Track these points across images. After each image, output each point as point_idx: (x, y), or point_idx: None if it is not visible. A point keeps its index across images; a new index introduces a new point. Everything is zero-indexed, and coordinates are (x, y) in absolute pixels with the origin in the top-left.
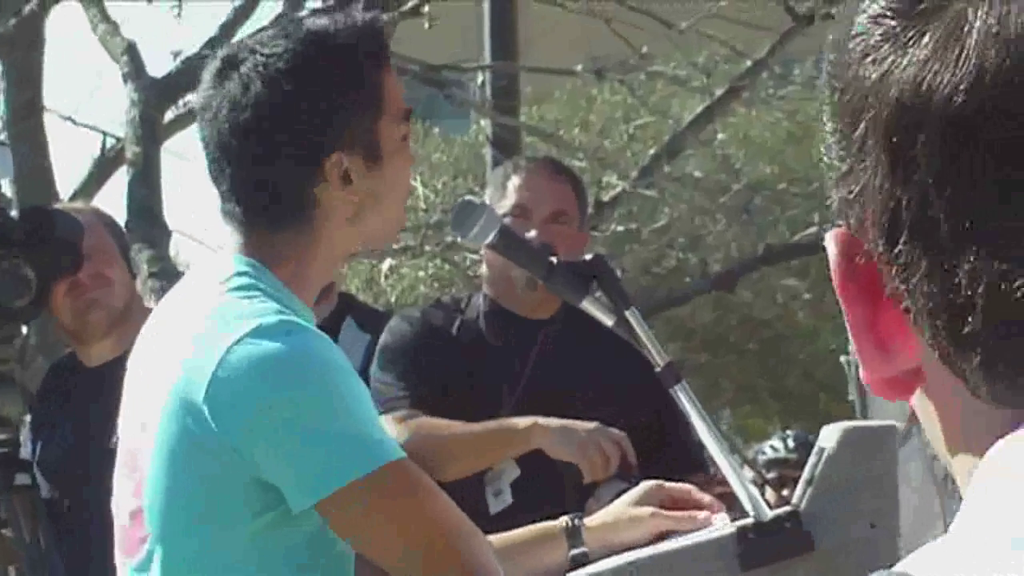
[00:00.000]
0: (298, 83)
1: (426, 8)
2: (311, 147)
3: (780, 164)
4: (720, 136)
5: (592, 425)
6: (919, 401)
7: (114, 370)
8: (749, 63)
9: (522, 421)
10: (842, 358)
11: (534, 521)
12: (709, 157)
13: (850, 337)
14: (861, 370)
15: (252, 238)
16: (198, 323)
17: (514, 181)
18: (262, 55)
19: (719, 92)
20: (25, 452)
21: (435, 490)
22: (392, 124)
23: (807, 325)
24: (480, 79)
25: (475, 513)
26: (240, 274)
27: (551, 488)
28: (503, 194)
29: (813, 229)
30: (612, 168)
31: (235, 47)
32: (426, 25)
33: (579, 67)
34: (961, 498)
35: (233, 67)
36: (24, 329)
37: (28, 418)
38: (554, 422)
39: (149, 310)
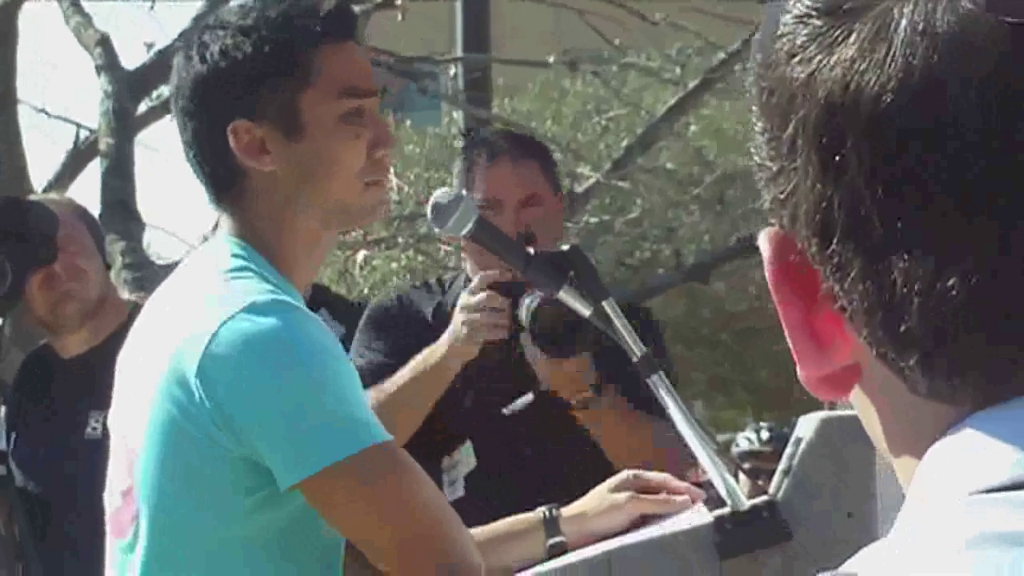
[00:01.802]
0: (218, 56)
1: (399, 0)
2: (216, 113)
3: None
4: (693, 128)
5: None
6: (857, 399)
7: (89, 361)
8: (723, 55)
9: (439, 346)
10: None
11: (486, 515)
12: (682, 149)
13: (786, 336)
14: (798, 368)
15: (225, 216)
16: (192, 303)
17: (479, 172)
18: (208, 31)
19: (692, 84)
20: (0, 443)
21: (419, 475)
22: (322, 99)
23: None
24: (453, 71)
25: None
26: (234, 256)
27: (506, 484)
28: (470, 187)
29: None
30: (585, 160)
31: (198, 26)
32: (399, 17)
33: (551, 59)
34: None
35: (185, 47)
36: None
37: (3, 409)
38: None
39: (124, 301)
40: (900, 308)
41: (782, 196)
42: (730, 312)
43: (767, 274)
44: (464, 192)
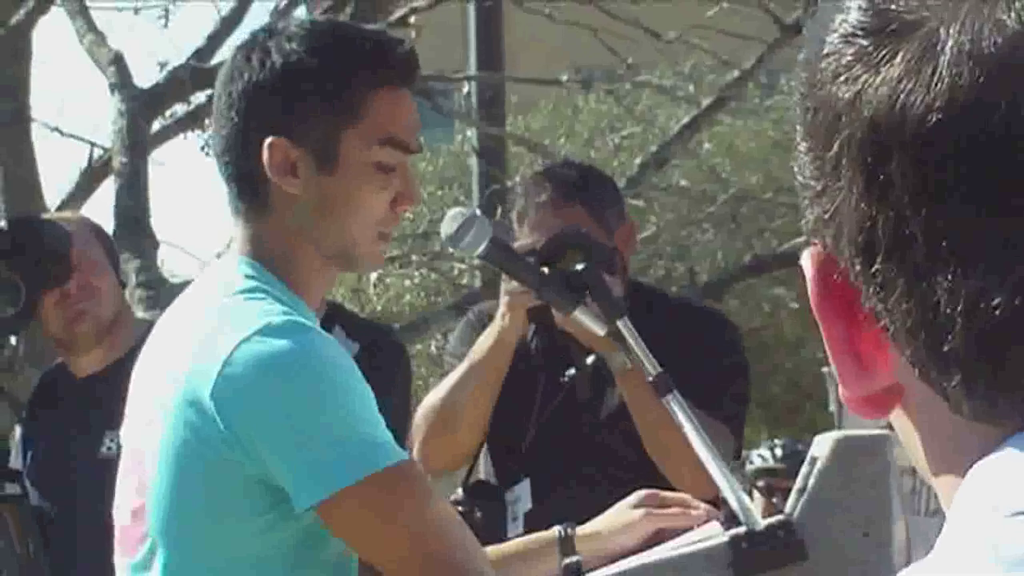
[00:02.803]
0: (278, 68)
1: (412, 19)
2: (258, 123)
3: (766, 174)
4: (707, 146)
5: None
6: (898, 419)
7: (104, 380)
8: (736, 73)
9: (494, 324)
10: (824, 369)
11: None
12: (696, 167)
13: (828, 355)
14: (839, 387)
15: (242, 228)
16: (206, 323)
17: (527, 221)
18: (275, 38)
19: (706, 102)
20: (16, 462)
21: (434, 495)
22: (362, 141)
23: (793, 334)
24: (466, 89)
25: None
26: (247, 276)
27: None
28: (520, 233)
29: (800, 239)
30: None
31: (265, 28)
32: (412, 35)
33: (565, 77)
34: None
35: (248, 45)
36: (13, 339)
37: (18, 429)
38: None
39: (138, 320)
40: (943, 327)
41: (825, 215)
42: (744, 329)
43: (810, 294)
44: (478, 211)
